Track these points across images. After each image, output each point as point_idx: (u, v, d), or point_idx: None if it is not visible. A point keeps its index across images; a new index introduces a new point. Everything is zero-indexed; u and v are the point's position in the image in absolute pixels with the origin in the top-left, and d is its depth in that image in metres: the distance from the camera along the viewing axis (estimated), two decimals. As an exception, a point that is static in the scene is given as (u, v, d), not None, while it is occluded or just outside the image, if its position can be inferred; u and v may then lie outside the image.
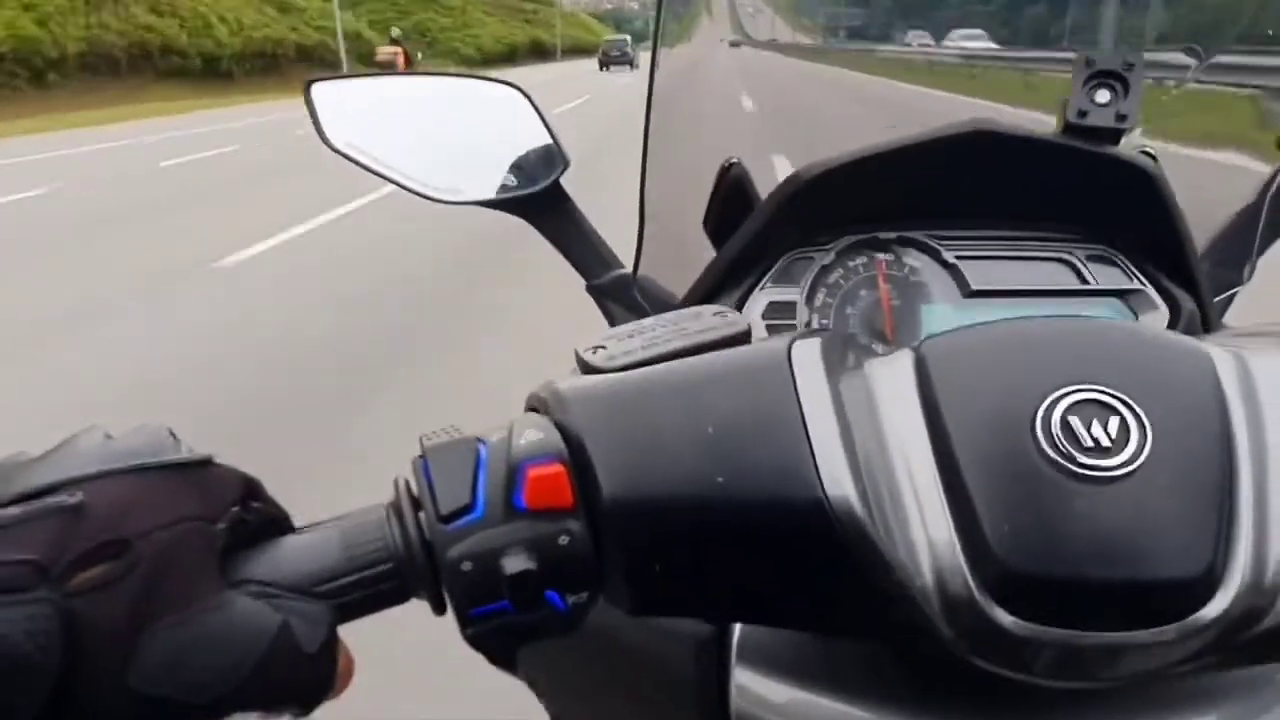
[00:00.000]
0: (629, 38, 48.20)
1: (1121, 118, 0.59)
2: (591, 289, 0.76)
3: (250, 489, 0.35)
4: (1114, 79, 0.59)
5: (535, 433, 0.34)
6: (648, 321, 0.40)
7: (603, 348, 0.38)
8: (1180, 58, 0.77)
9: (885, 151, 0.61)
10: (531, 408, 0.37)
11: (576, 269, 0.77)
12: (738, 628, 0.44)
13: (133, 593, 0.30)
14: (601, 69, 43.48)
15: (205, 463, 0.34)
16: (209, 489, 0.33)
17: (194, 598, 0.31)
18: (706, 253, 0.71)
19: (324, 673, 0.33)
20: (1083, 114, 0.59)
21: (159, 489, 0.32)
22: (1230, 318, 0.69)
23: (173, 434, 0.34)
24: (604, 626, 0.50)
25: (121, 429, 0.34)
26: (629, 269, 0.76)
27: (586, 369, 0.38)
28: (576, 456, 0.34)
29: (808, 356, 0.35)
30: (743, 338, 0.39)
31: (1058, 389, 0.33)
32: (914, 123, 0.62)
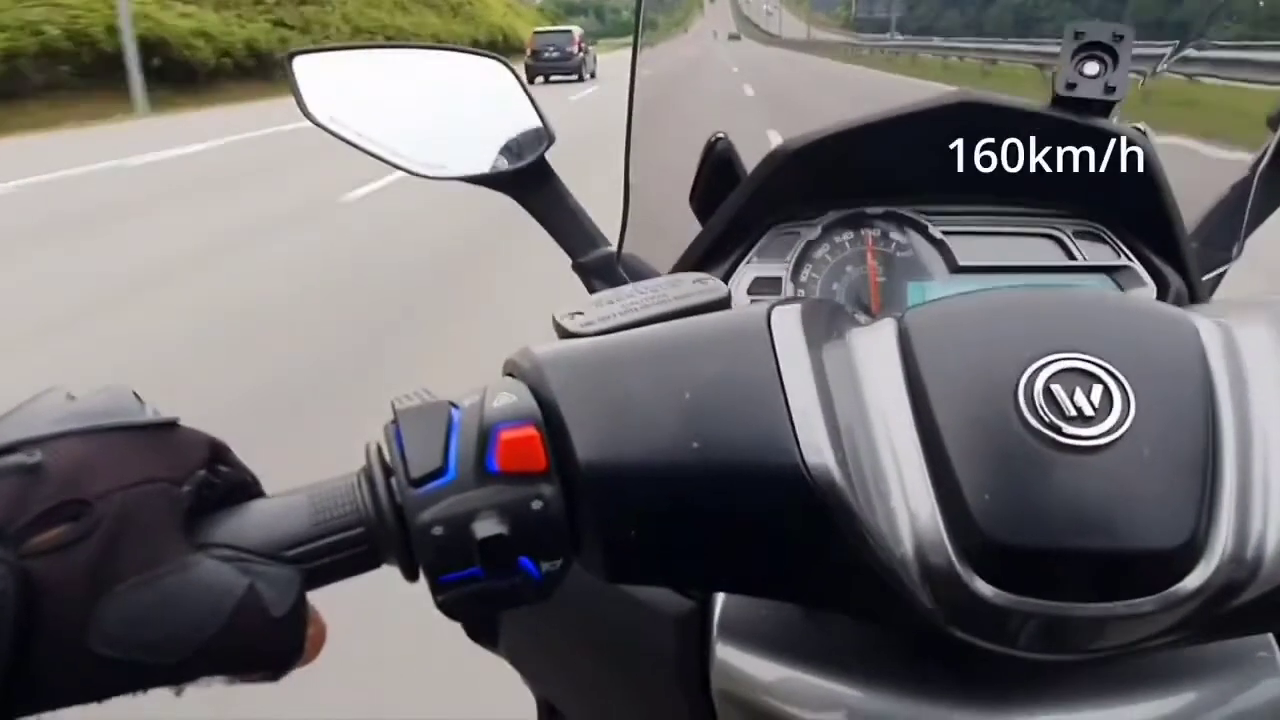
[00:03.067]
0: (576, 30, 28.74)
1: (1110, 89, 0.58)
2: (577, 266, 0.76)
3: (217, 452, 0.34)
4: (1103, 50, 0.58)
5: (508, 396, 0.34)
6: (626, 289, 0.40)
7: (580, 313, 0.38)
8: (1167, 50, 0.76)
9: (871, 124, 0.61)
10: (508, 373, 0.36)
11: (562, 246, 0.76)
12: (719, 603, 0.44)
13: (92, 554, 0.30)
14: (532, 81, 23.63)
15: (170, 425, 0.33)
16: (173, 451, 0.33)
17: (156, 560, 0.30)
18: (692, 229, 0.70)
19: (293, 638, 0.33)
20: (1071, 86, 0.58)
21: (121, 450, 0.31)
22: (1219, 296, 0.69)
23: (137, 396, 0.34)
24: (585, 602, 0.49)
25: (85, 390, 0.34)
26: (614, 246, 0.75)
27: (563, 334, 0.37)
28: (551, 420, 0.33)
29: (788, 323, 0.35)
30: (722, 304, 0.38)
31: (1040, 357, 0.33)
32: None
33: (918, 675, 0.38)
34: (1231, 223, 0.70)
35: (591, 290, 0.75)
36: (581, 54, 26.93)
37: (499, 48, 35.00)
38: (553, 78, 25.09)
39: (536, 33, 29.92)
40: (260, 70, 23.47)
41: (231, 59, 23.06)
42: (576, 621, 0.52)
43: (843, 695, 0.39)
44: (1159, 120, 0.70)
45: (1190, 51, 0.74)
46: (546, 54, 26.62)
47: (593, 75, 27.01)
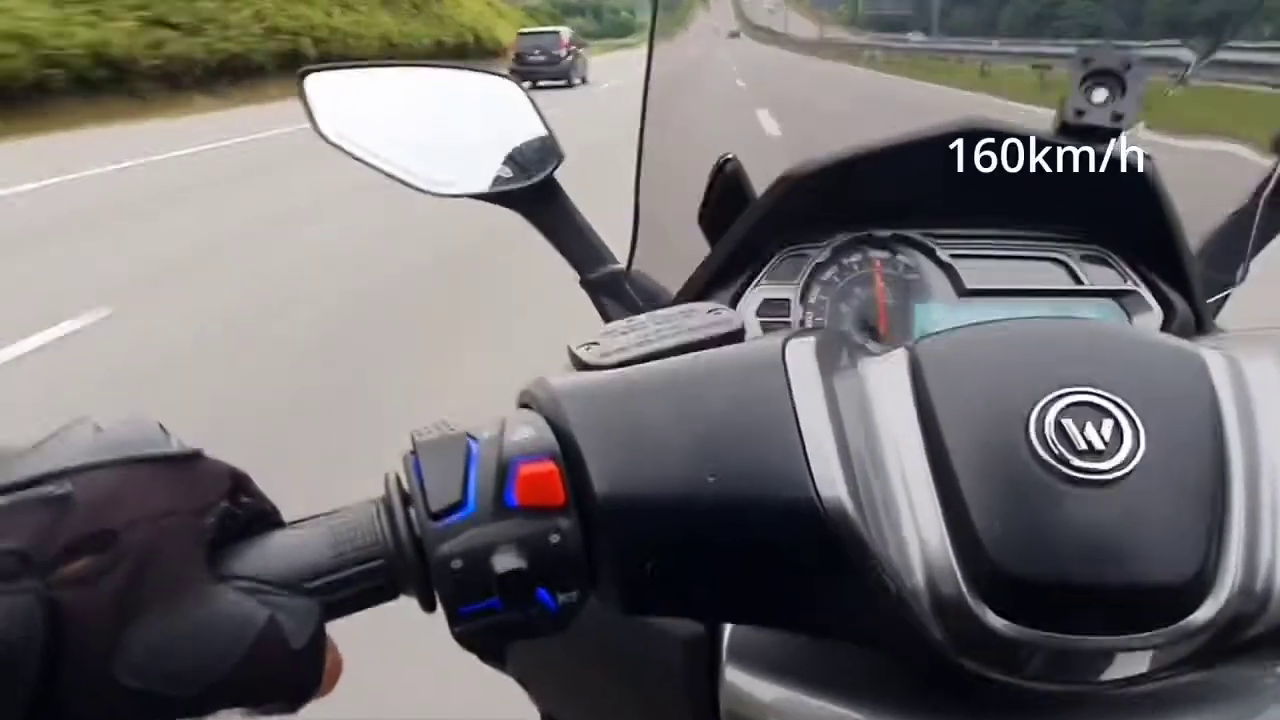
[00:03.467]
0: (565, 32, 25.56)
1: (1118, 117, 0.59)
2: (585, 284, 0.76)
3: (239, 483, 0.34)
4: (1112, 78, 0.59)
5: (527, 429, 0.34)
6: (641, 318, 0.40)
7: (596, 344, 0.38)
8: (1183, 54, 0.76)
9: (878, 149, 0.61)
10: (524, 404, 0.37)
11: (570, 263, 0.77)
12: (729, 627, 0.44)
13: (118, 585, 0.30)
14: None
15: (194, 456, 0.34)
16: (197, 483, 0.33)
17: (180, 591, 0.31)
18: (701, 249, 0.71)
19: (311, 670, 0.33)
20: (1079, 113, 0.59)
21: (147, 482, 0.32)
22: (1223, 319, 0.69)
23: (162, 427, 0.34)
24: (595, 625, 0.50)
25: (111, 420, 0.34)
26: (623, 264, 0.76)
27: (580, 365, 0.38)
28: (568, 454, 0.34)
29: (801, 355, 0.35)
30: (736, 336, 0.39)
31: (1052, 391, 0.33)
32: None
33: (926, 703, 0.38)
34: (1236, 245, 0.70)
35: (600, 307, 0.76)
36: (570, 57, 23.79)
37: (469, 51, 30.17)
38: (540, 83, 21.04)
39: (521, 34, 26.33)
40: (120, 84, 16.45)
41: (67, 70, 15.38)
42: (586, 643, 0.52)
43: None
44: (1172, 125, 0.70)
45: (1219, 55, 0.74)
46: (531, 58, 23.50)
47: (584, 81, 24.14)
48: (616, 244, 0.77)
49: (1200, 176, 0.74)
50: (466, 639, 0.34)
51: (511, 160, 0.77)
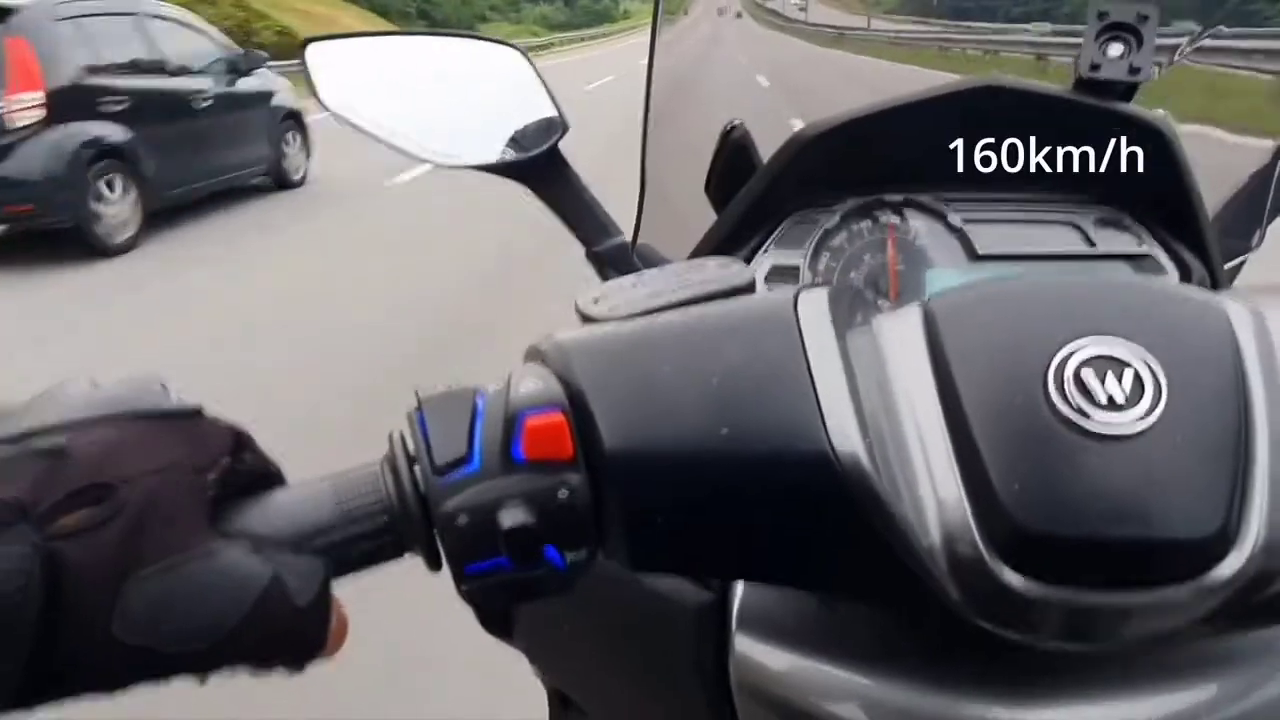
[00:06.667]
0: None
1: (1135, 70, 0.57)
2: (591, 255, 0.75)
3: (241, 441, 0.34)
4: (1127, 31, 0.57)
5: (534, 382, 0.34)
6: (650, 273, 0.40)
7: (603, 298, 0.38)
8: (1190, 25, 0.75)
9: (891, 108, 0.60)
10: (531, 359, 0.36)
11: (576, 235, 0.76)
12: (738, 594, 0.44)
13: (116, 538, 0.29)
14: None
15: (194, 413, 0.33)
16: (198, 439, 0.32)
17: (180, 546, 0.30)
18: (708, 218, 0.70)
19: (316, 628, 0.33)
20: (1095, 67, 0.58)
21: (146, 437, 0.31)
22: (1239, 284, 0.68)
23: (163, 384, 0.34)
24: (603, 593, 0.49)
25: (110, 378, 0.34)
26: (629, 236, 0.75)
27: (587, 319, 0.37)
28: (577, 407, 0.33)
29: (814, 308, 0.34)
30: (747, 289, 0.38)
31: (1071, 343, 0.32)
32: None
33: (939, 666, 0.38)
34: (1252, 211, 0.69)
35: (605, 279, 0.75)
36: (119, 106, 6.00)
37: None
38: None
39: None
40: None
41: None
42: (594, 612, 0.52)
43: (863, 686, 0.39)
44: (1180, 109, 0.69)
45: (1208, 41, 0.73)
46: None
47: (300, 180, 7.96)
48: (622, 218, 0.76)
49: (1215, 144, 0.73)
50: (473, 597, 0.34)
51: (516, 131, 0.76)
